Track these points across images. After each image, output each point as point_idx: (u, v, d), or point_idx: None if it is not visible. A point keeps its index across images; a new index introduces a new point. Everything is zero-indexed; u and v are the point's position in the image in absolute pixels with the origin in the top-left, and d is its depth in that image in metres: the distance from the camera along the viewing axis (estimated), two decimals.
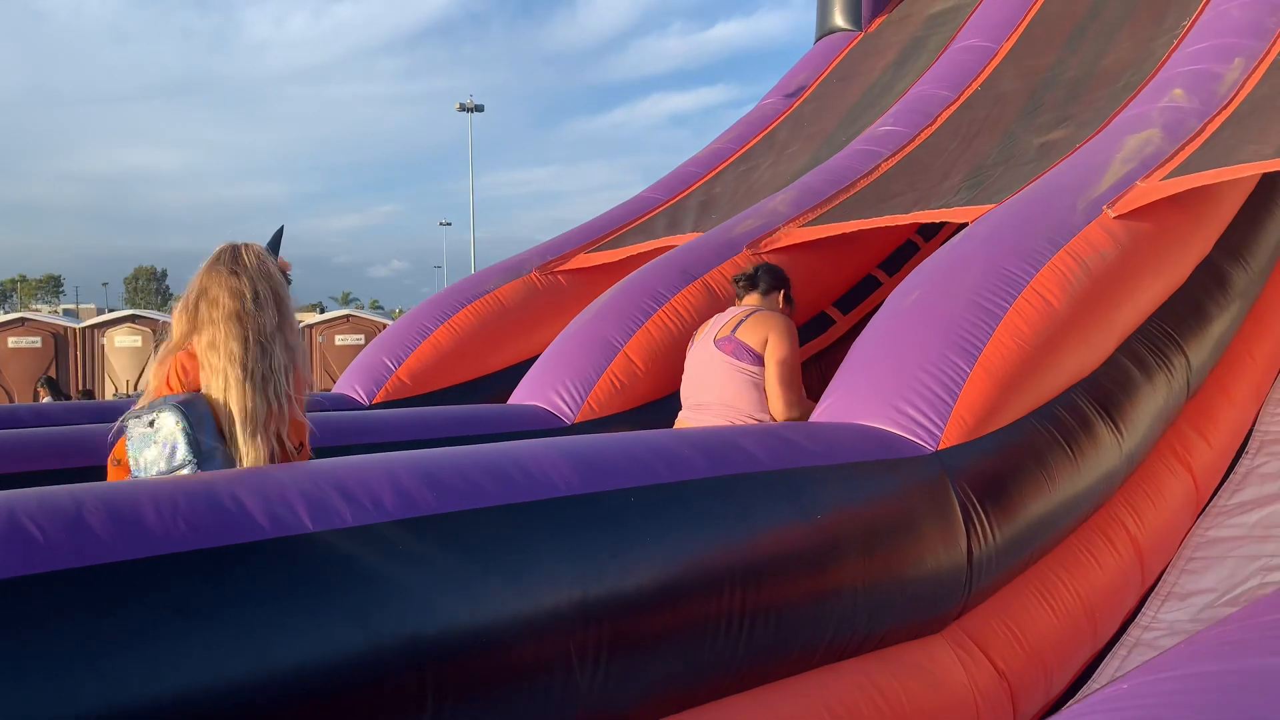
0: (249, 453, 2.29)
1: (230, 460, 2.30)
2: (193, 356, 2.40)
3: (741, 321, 4.04)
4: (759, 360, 3.92)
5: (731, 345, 3.99)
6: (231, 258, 2.41)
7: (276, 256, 2.60)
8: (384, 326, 18.68)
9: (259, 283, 2.36)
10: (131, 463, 2.28)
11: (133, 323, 20.70)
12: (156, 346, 2.52)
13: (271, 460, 2.35)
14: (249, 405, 2.30)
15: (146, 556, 1.68)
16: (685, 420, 4.16)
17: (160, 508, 1.79)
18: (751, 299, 4.29)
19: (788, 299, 4.33)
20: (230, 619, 1.70)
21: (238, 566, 1.77)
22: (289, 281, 2.57)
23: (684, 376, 4.24)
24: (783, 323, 4.04)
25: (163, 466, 2.24)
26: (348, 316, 20.86)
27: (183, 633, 1.64)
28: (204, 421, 2.27)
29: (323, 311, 24.60)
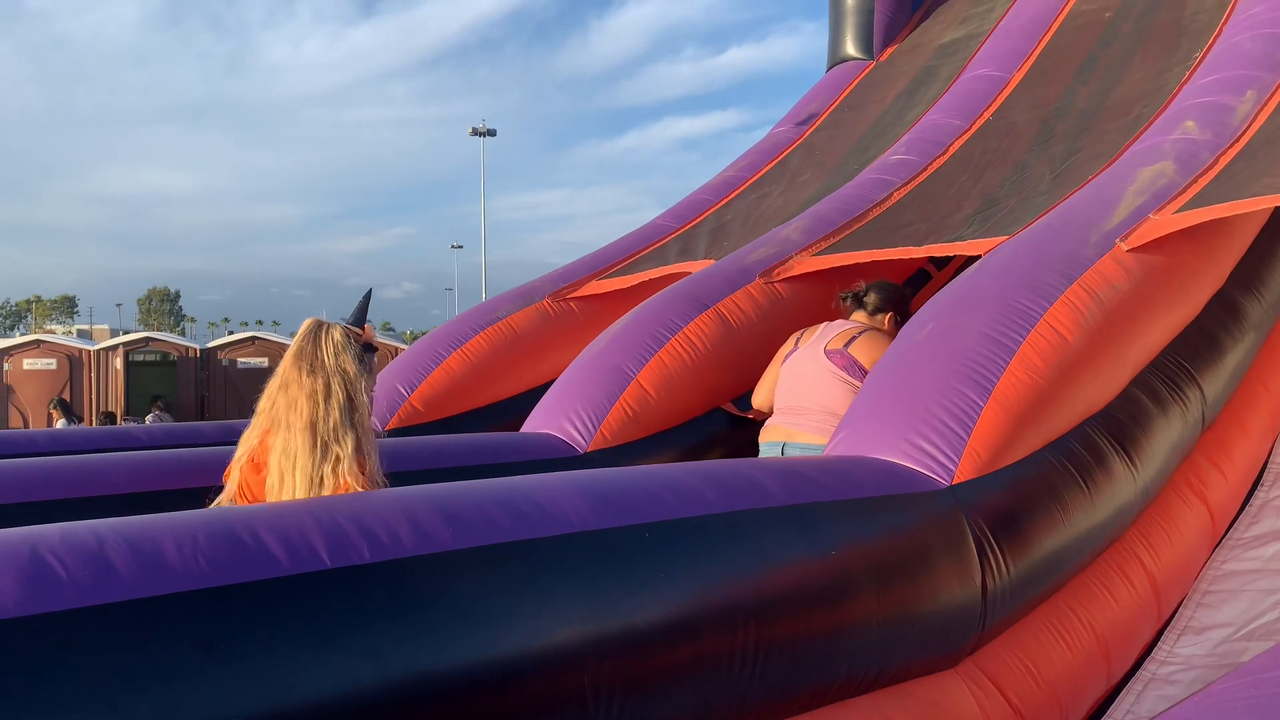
0: None
1: None
2: (258, 469, 2.56)
3: (854, 338, 4.11)
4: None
5: (844, 359, 4.06)
6: (312, 350, 2.55)
7: (363, 325, 2.69)
8: (395, 350, 18.75)
9: (333, 379, 2.51)
10: None
11: (148, 345, 20.83)
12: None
13: None
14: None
15: (168, 593, 1.70)
16: (777, 425, 4.20)
17: (181, 544, 1.80)
18: (859, 316, 4.35)
19: (898, 321, 4.34)
20: (249, 655, 1.71)
21: (257, 603, 1.78)
22: (374, 349, 2.65)
23: (780, 382, 4.26)
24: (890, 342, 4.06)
25: None
26: None
27: (202, 669, 1.66)
28: None
29: None
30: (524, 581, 2.11)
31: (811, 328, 4.36)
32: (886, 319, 4.34)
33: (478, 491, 2.29)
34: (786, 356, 4.33)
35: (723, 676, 2.37)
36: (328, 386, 2.49)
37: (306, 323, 2.63)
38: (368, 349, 2.68)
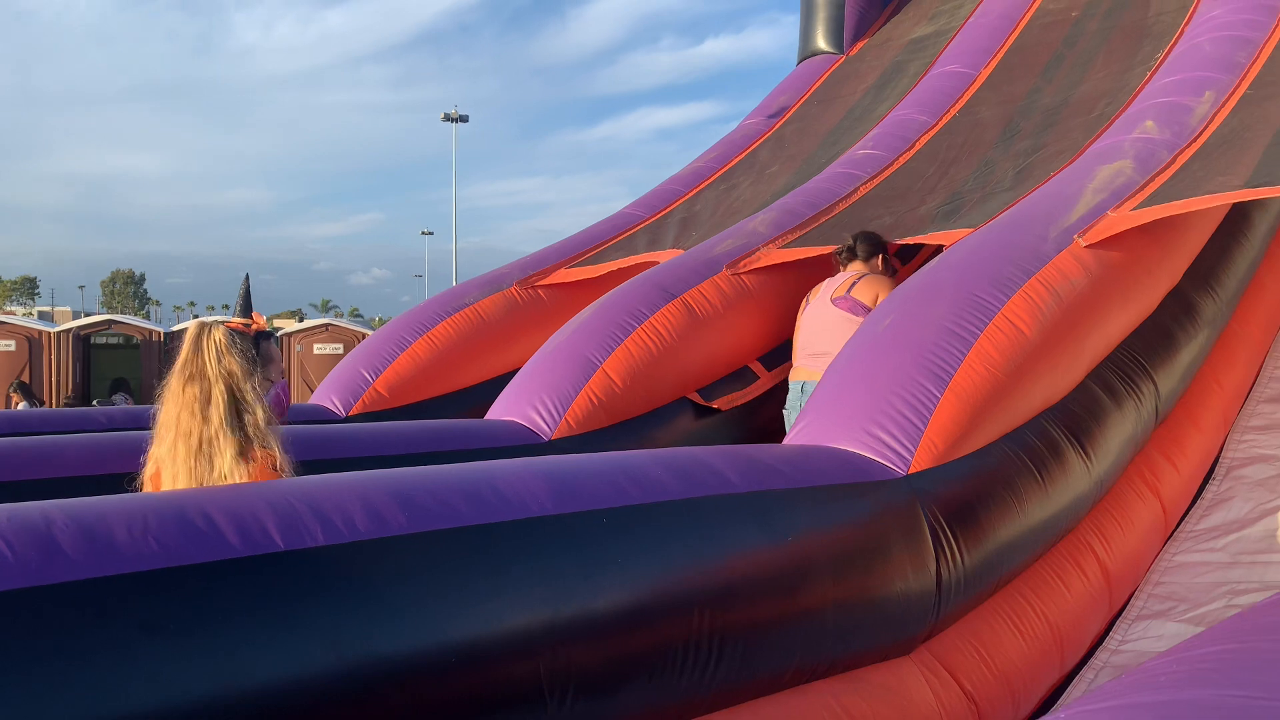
0: None
1: None
2: (158, 486, 2.54)
3: (855, 283, 4.84)
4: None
5: (848, 303, 4.77)
6: (193, 358, 2.51)
7: (250, 314, 2.66)
8: (363, 336, 18.60)
9: (214, 385, 2.48)
10: None
11: (110, 327, 20.52)
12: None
13: None
14: None
15: (116, 574, 1.68)
16: (801, 369, 4.89)
17: (131, 525, 1.79)
18: (855, 266, 5.03)
19: (887, 261, 5.08)
20: (200, 638, 1.71)
21: (208, 585, 1.77)
22: (270, 335, 2.64)
23: (799, 333, 5.00)
24: (889, 282, 4.83)
25: None
26: (326, 325, 20.74)
27: (151, 651, 1.65)
28: None
29: (302, 319, 24.44)
30: (481, 566, 2.11)
31: (815, 287, 5.07)
32: (880, 260, 5.06)
33: (435, 476, 2.29)
34: (801, 314, 5.04)
35: (680, 662, 2.39)
36: (208, 395, 2.47)
37: (190, 327, 2.59)
38: (263, 337, 2.67)
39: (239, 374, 2.49)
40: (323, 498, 2.04)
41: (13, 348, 19.21)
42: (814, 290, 5.05)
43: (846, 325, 4.66)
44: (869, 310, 4.66)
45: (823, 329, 4.82)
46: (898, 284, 5.20)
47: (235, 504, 1.95)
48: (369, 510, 2.05)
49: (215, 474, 2.42)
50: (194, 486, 2.41)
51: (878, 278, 4.89)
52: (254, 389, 2.51)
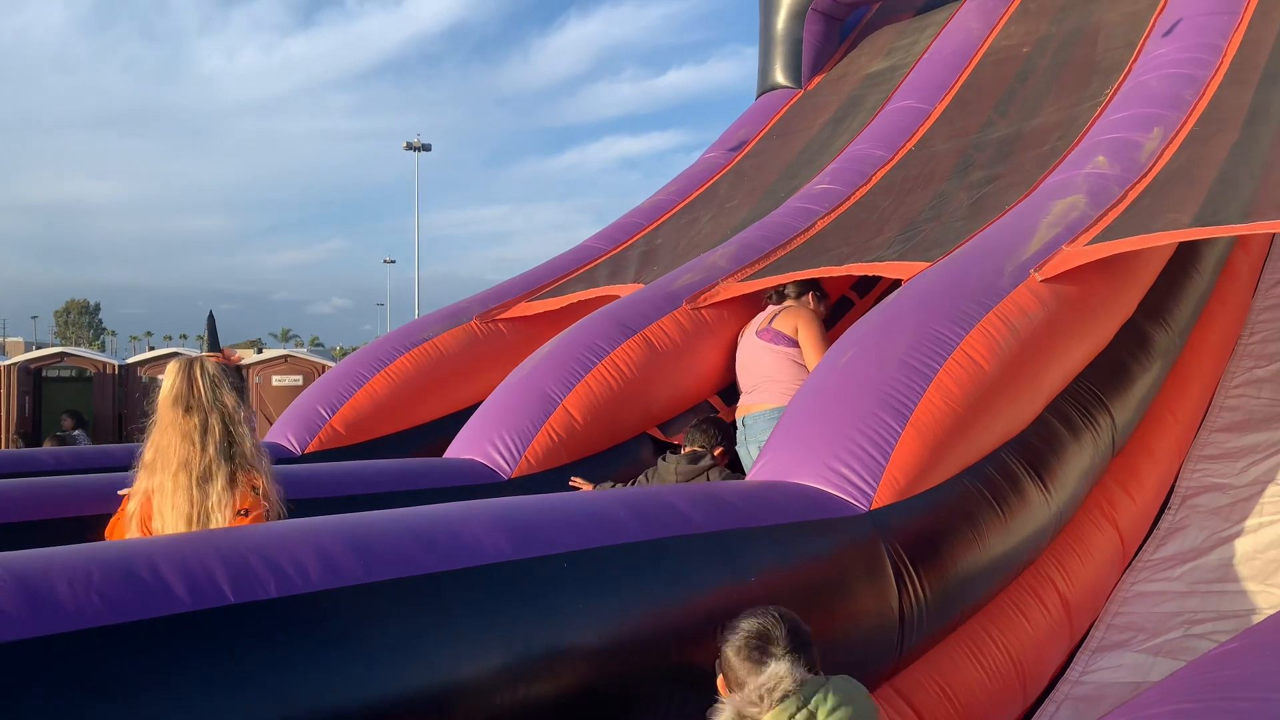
0: None
1: None
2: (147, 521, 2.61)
3: (774, 316, 5.03)
4: (793, 343, 4.86)
5: (770, 334, 4.97)
6: (186, 390, 2.62)
7: (219, 348, 2.73)
8: (323, 367, 18.36)
9: (210, 415, 2.60)
10: None
11: (64, 360, 20.09)
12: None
13: None
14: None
15: (56, 633, 1.63)
16: (741, 405, 5.04)
17: (73, 580, 1.73)
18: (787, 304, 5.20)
19: (819, 299, 5.26)
20: (146, 699, 1.65)
21: (154, 642, 1.72)
22: (239, 371, 2.68)
23: (737, 370, 5.20)
24: (808, 312, 5.00)
25: None
26: (286, 357, 20.46)
27: (95, 715, 1.59)
28: None
29: (261, 350, 24.11)
30: (438, 615, 2.07)
31: (746, 325, 5.28)
32: (811, 297, 5.23)
33: (391, 522, 2.25)
34: (738, 352, 5.22)
35: (643, 708, 2.36)
36: (205, 424, 2.56)
37: (174, 363, 2.68)
38: (236, 372, 2.78)
39: (231, 405, 2.61)
40: (275, 547, 1.99)
41: None
42: (745, 328, 5.26)
43: (769, 355, 4.89)
44: (789, 339, 4.86)
45: (751, 360, 5.01)
46: (856, 317, 5.26)
47: (184, 555, 1.89)
48: (323, 559, 2.00)
49: (212, 499, 2.52)
50: (191, 512, 2.49)
51: (798, 309, 5.02)
52: (244, 419, 2.63)
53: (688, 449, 4.32)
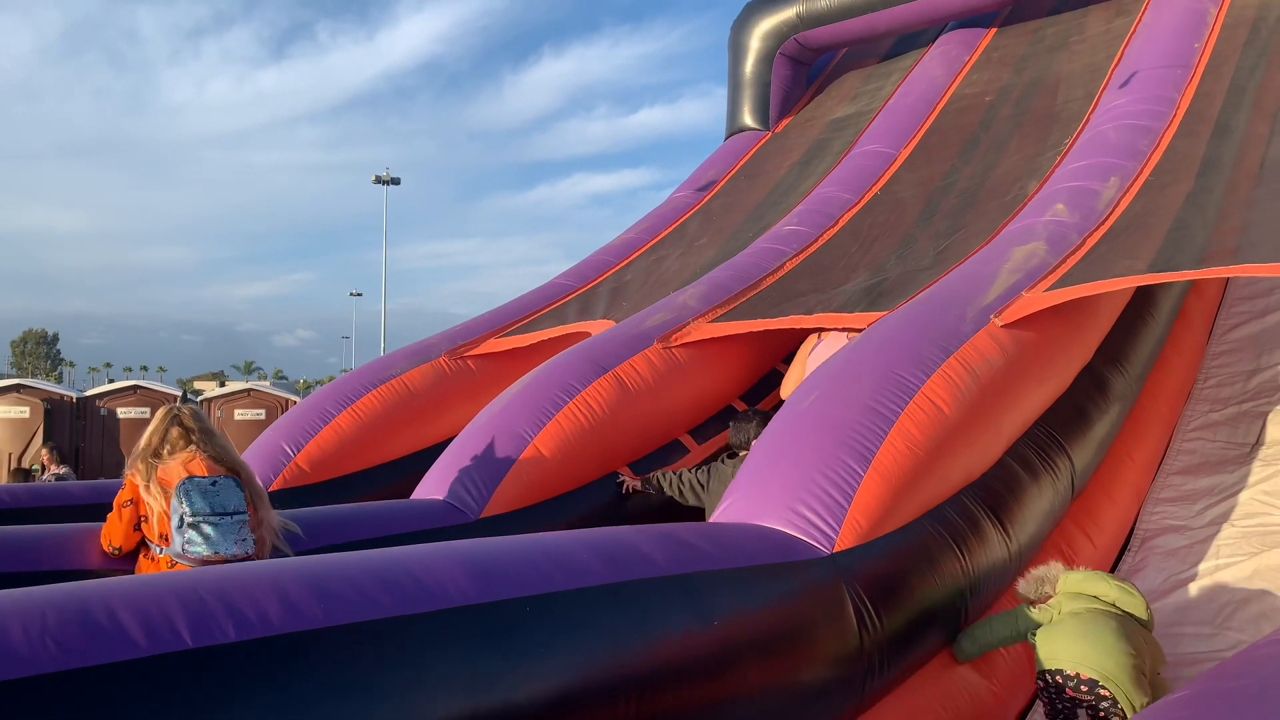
0: None
1: None
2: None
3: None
4: None
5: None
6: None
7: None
8: (287, 402, 18.16)
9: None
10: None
11: (19, 392, 19.70)
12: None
13: None
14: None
15: (9, 679, 1.60)
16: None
17: (28, 624, 1.71)
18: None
19: None
20: None
21: (109, 687, 1.69)
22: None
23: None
24: None
25: None
26: (249, 390, 20.21)
27: None
28: None
29: (224, 384, 23.81)
30: (399, 659, 2.06)
31: (812, 336, 5.38)
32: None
33: (353, 564, 2.23)
34: (812, 350, 5.28)
35: None
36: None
37: (161, 409, 3.48)
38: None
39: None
40: (235, 590, 1.97)
41: None
42: (818, 335, 5.33)
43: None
44: None
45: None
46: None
47: (142, 598, 1.87)
48: (284, 602, 1.99)
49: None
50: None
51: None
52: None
53: (740, 449, 4.51)
